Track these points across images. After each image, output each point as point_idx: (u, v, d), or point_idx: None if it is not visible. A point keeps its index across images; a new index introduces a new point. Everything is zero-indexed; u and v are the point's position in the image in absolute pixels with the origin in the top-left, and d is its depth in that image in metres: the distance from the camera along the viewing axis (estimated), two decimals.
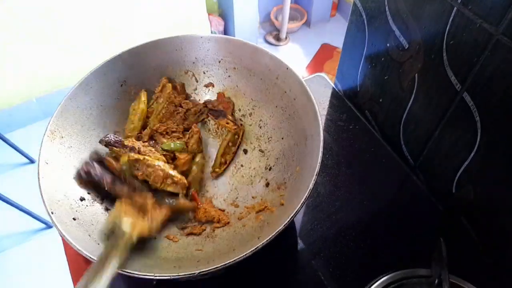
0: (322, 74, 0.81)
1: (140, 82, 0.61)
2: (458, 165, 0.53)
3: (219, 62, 0.62)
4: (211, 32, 1.87)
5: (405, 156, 0.65)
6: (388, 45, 0.59)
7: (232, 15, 1.85)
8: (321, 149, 0.46)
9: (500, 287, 0.52)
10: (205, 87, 0.65)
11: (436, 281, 0.44)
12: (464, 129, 0.50)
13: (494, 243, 0.53)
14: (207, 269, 0.39)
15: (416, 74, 0.55)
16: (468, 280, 0.46)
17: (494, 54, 0.42)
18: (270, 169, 0.58)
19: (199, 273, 0.39)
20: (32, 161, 1.62)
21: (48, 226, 1.44)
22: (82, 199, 0.50)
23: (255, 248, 0.39)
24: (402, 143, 0.64)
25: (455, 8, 0.44)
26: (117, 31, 1.62)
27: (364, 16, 0.62)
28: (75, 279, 0.55)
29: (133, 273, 0.39)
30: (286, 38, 2.13)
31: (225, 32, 1.98)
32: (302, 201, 0.42)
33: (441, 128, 0.55)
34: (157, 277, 0.39)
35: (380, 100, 0.66)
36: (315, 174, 0.44)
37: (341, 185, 0.63)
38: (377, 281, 0.48)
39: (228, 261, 0.39)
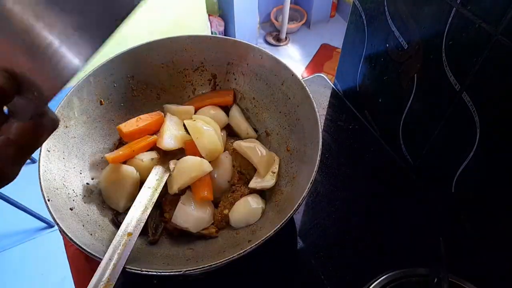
0: (322, 74, 0.81)
1: (148, 79, 0.61)
2: (457, 164, 0.54)
3: (228, 64, 0.62)
4: (212, 33, 1.87)
5: (404, 155, 0.65)
6: (387, 45, 0.59)
7: (233, 16, 1.85)
8: (318, 158, 0.46)
9: (500, 287, 0.52)
10: (210, 88, 0.65)
11: (435, 280, 0.44)
12: (463, 129, 0.50)
13: (493, 243, 0.54)
14: (193, 268, 0.39)
15: (416, 74, 0.56)
16: (468, 280, 0.47)
17: (493, 54, 0.42)
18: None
19: (185, 271, 0.39)
20: (33, 161, 1.62)
21: (49, 226, 1.44)
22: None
23: (243, 252, 0.39)
24: (402, 142, 0.65)
25: (454, 9, 0.45)
26: (116, 32, 1.62)
27: (364, 17, 0.62)
28: (76, 279, 0.56)
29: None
30: (286, 38, 2.13)
31: (226, 33, 1.98)
32: (294, 209, 0.43)
33: (440, 128, 0.55)
34: (143, 272, 0.39)
35: (380, 100, 0.66)
36: (309, 183, 0.44)
37: (341, 184, 0.63)
38: (376, 280, 0.48)
39: (215, 263, 0.39)
